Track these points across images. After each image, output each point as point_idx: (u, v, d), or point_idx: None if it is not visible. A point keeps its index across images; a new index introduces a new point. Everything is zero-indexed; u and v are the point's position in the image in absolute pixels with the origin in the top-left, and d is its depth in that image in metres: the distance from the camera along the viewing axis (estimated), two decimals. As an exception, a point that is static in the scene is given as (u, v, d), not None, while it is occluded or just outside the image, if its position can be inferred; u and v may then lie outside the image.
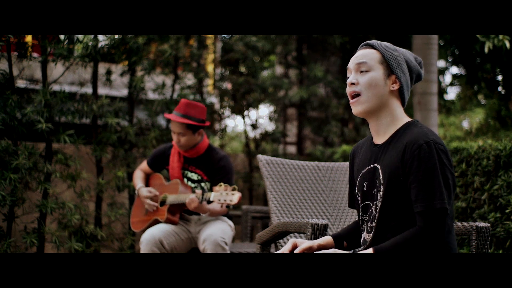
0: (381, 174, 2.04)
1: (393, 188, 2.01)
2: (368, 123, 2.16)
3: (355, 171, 2.22)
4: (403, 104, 2.13)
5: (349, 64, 2.15)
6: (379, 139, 2.12)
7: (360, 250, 2.14)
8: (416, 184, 1.94)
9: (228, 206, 3.39)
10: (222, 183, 3.40)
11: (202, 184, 3.72)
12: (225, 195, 3.32)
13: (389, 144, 2.07)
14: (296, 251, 2.13)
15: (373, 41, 2.14)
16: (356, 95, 2.10)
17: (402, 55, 2.13)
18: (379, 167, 2.06)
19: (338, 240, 2.24)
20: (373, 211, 2.08)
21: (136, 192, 3.82)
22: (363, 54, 2.11)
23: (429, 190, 1.92)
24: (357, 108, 2.09)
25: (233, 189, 3.34)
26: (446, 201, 1.92)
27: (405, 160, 1.98)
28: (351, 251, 2.24)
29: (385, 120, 2.10)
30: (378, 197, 2.05)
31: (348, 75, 2.17)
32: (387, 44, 2.14)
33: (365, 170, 2.13)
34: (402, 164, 1.98)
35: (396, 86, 2.09)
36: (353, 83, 2.09)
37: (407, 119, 2.12)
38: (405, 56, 2.14)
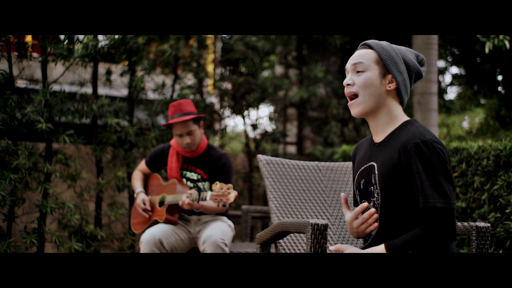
0: (377, 172, 2.06)
1: (388, 185, 2.02)
2: (368, 122, 2.18)
3: (355, 170, 2.23)
4: (401, 103, 2.14)
5: (346, 65, 2.17)
6: (377, 138, 2.14)
7: (364, 246, 2.14)
8: (420, 183, 1.94)
9: (225, 205, 3.39)
10: (218, 182, 3.40)
11: (200, 184, 3.71)
12: (222, 194, 3.32)
13: (386, 143, 2.09)
14: (331, 248, 2.12)
15: (370, 41, 2.15)
16: (354, 95, 2.12)
17: (400, 54, 2.13)
18: (375, 165, 2.08)
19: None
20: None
21: (135, 195, 3.82)
22: (359, 54, 2.13)
23: (434, 188, 1.93)
24: (355, 110, 2.12)
25: (229, 188, 3.34)
26: (452, 197, 1.93)
27: (402, 159, 1.99)
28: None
29: (383, 119, 2.11)
30: (375, 194, 2.06)
31: (346, 75, 2.19)
32: (384, 43, 2.15)
33: (362, 168, 2.15)
34: (398, 163, 2.00)
35: (392, 86, 2.10)
36: (349, 84, 2.12)
37: (405, 118, 2.13)
38: (404, 55, 2.14)
